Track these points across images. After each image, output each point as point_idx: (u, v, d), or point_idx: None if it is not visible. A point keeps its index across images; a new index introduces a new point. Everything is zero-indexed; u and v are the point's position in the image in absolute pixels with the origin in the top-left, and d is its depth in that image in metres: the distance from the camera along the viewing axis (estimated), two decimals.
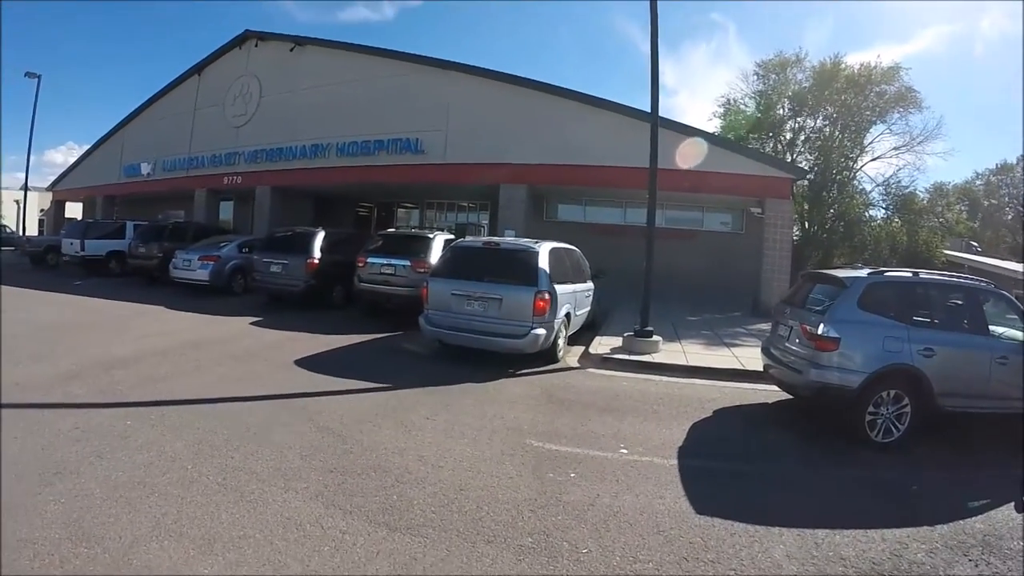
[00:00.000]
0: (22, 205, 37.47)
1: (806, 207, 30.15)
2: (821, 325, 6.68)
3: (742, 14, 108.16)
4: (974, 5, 73.48)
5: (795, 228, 26.59)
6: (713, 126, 32.81)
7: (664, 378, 9.38)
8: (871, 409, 6.47)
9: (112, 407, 6.42)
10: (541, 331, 9.26)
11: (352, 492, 4.59)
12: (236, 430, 5.85)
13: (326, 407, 6.83)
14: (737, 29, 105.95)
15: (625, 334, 11.16)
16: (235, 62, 27.40)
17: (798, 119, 31.77)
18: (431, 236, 13.62)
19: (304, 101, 24.28)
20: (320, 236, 15.00)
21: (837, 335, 6.56)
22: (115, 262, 21.48)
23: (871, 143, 30.98)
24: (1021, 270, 28.51)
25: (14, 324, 10.58)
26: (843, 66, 30.03)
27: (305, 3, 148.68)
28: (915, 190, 31.56)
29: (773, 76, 32.11)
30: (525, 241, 10.60)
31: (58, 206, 39.27)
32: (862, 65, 29.85)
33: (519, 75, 20.53)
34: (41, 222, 47.33)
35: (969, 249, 38.12)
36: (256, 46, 26.70)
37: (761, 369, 8.46)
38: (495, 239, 11.49)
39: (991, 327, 6.98)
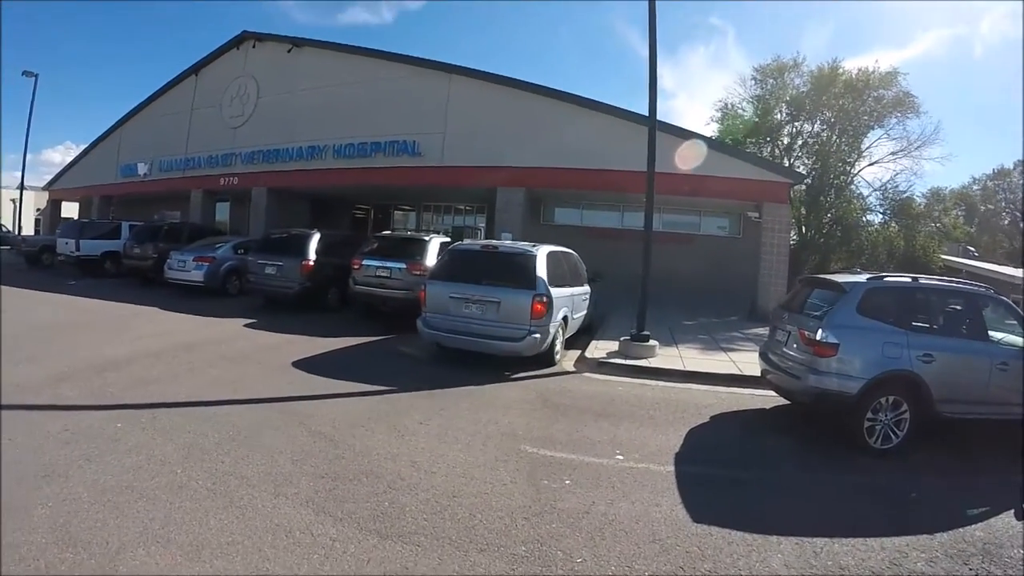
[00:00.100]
0: (18, 204, 37.31)
1: (803, 212, 30.14)
2: (820, 330, 6.62)
3: (741, 18, 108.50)
4: (973, 8, 73.76)
5: (792, 232, 26.49)
6: (711, 130, 32.79)
7: (660, 383, 9.32)
8: (870, 415, 6.42)
9: (103, 409, 6.35)
10: (539, 334, 9.27)
11: (343, 498, 4.52)
12: (227, 433, 5.78)
13: (319, 411, 6.76)
14: (736, 33, 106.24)
15: (621, 338, 11.12)
16: (232, 63, 27.34)
17: (796, 124, 31.76)
18: (427, 239, 13.59)
19: (301, 102, 24.22)
20: (316, 238, 14.93)
21: (836, 340, 6.51)
22: (110, 262, 21.36)
23: (869, 148, 31.01)
24: (1019, 275, 28.57)
25: (8, 324, 10.48)
26: (841, 71, 30.04)
27: (305, 4, 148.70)
28: (912, 195, 31.59)
29: (771, 80, 32.11)
30: (523, 244, 10.58)
31: (54, 206, 39.10)
32: (860, 70, 29.89)
33: (517, 78, 20.54)
34: (37, 222, 47.12)
35: (966, 254, 38.17)
36: (254, 47, 26.65)
37: (758, 374, 8.39)
38: (493, 242, 11.48)
39: (991, 333, 6.93)
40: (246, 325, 12.44)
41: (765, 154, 30.08)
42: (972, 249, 41.74)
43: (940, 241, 30.94)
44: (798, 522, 4.61)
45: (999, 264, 38.55)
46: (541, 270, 9.56)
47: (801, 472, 5.98)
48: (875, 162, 31.25)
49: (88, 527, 3.86)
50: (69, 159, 39.11)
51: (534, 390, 8.41)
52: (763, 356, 8.13)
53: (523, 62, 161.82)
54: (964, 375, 6.64)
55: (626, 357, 10.51)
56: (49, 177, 41.41)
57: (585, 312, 12.14)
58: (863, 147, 30.92)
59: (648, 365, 10.15)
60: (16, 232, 35.85)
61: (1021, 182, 52.39)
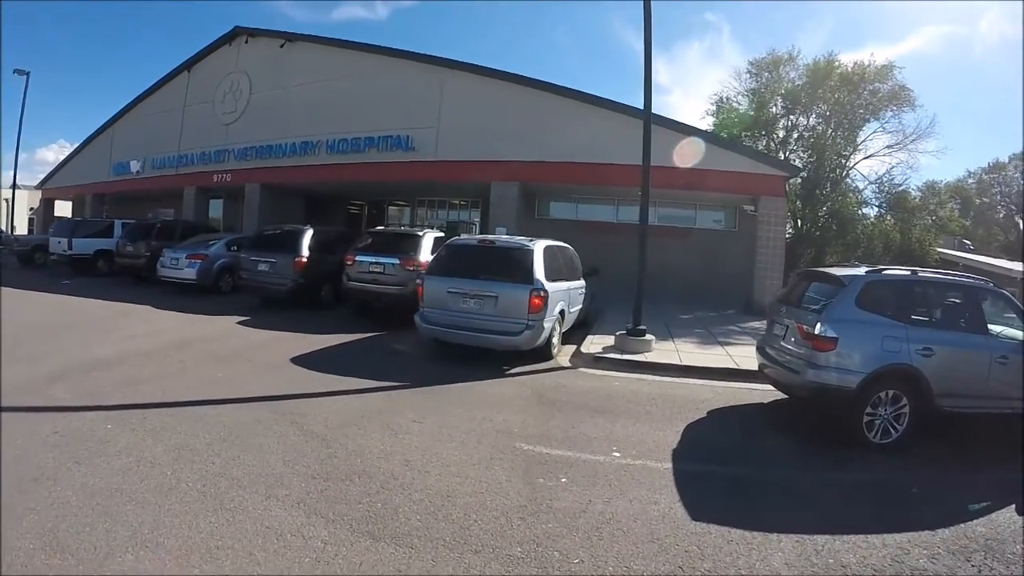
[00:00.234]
0: (10, 204, 37.05)
1: (799, 205, 30.09)
2: (818, 324, 6.55)
3: (735, 14, 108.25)
4: (970, 5, 73.68)
5: (788, 226, 26.48)
6: (706, 124, 32.67)
7: (657, 378, 9.28)
8: (869, 410, 6.36)
9: (93, 410, 6.25)
10: (536, 328, 9.32)
11: (335, 499, 4.44)
12: (218, 434, 5.70)
13: (311, 409, 6.67)
14: (731, 29, 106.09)
15: (617, 333, 11.06)
16: (225, 59, 27.21)
17: (791, 117, 31.65)
18: (420, 234, 13.50)
19: (294, 98, 24.13)
20: (308, 234, 14.80)
21: (835, 335, 6.44)
22: (103, 261, 21.30)
23: (864, 141, 30.98)
24: (1015, 268, 28.58)
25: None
26: (836, 64, 29.94)
27: (299, 3, 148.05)
28: (908, 188, 31.56)
29: (766, 74, 32.01)
30: (520, 239, 10.60)
31: (47, 204, 38.99)
32: (855, 63, 29.79)
33: (511, 72, 20.44)
34: (31, 221, 46.90)
35: (962, 247, 38.23)
36: (246, 42, 26.53)
37: (755, 368, 8.34)
38: (490, 237, 11.47)
39: (990, 326, 6.87)
40: (239, 323, 12.35)
41: (760, 147, 29.97)
42: (968, 242, 41.80)
43: (936, 234, 30.91)
44: (798, 519, 4.55)
45: (994, 257, 38.60)
46: (538, 264, 9.60)
47: (800, 468, 5.91)
48: (870, 155, 31.28)
49: (76, 532, 3.77)
50: (63, 158, 38.96)
51: (529, 386, 8.34)
52: (761, 350, 8.07)
53: (518, 60, 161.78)
54: (964, 369, 6.58)
55: (622, 352, 10.45)
56: (43, 176, 41.30)
57: (581, 306, 12.13)
58: (859, 140, 30.94)
59: (644, 360, 10.09)
60: (9, 231, 35.63)
61: (1017, 176, 52.43)
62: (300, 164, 23.58)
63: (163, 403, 6.64)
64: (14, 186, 36.26)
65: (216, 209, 29.60)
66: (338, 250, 14.25)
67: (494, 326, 9.36)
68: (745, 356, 10.10)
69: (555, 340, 10.23)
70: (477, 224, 25.40)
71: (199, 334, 10.90)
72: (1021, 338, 6.78)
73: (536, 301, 9.29)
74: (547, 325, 9.59)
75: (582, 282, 12.26)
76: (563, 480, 5.06)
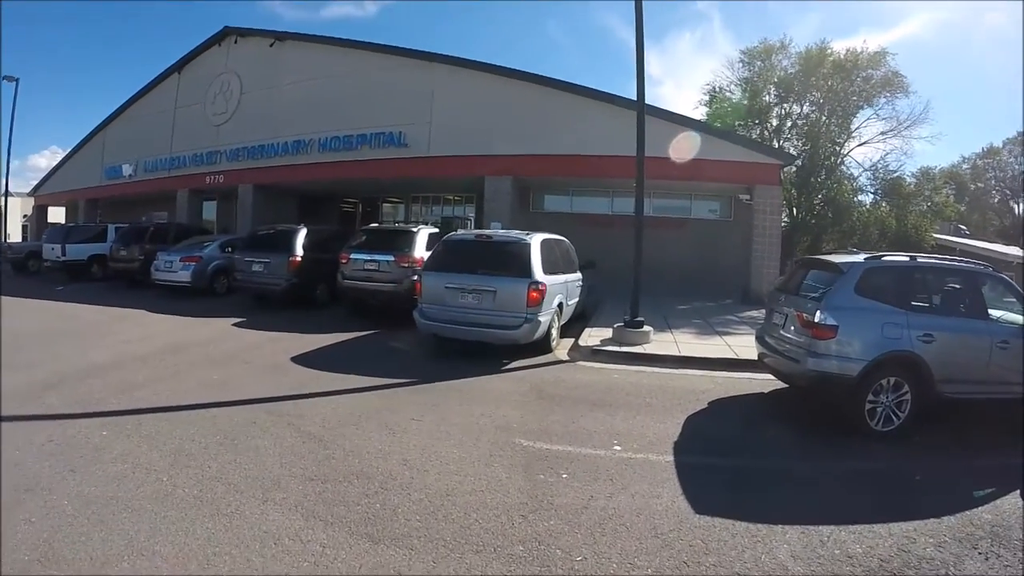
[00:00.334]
0: (3, 211, 36.86)
1: (794, 193, 30.02)
2: (818, 312, 6.49)
3: (726, 3, 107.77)
4: None
5: (783, 215, 26.43)
6: (699, 114, 32.57)
7: (656, 369, 9.25)
8: (871, 398, 6.31)
9: (88, 417, 6.17)
10: (535, 321, 9.35)
11: (333, 501, 4.37)
12: (214, 437, 5.63)
13: (308, 410, 6.61)
14: (722, 18, 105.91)
15: (615, 325, 11.01)
16: (215, 59, 27.09)
17: (784, 105, 31.57)
18: (415, 230, 13.45)
19: (286, 97, 24.03)
20: (302, 233, 14.74)
21: (835, 322, 6.38)
22: (97, 266, 21.21)
23: (858, 128, 30.90)
24: (1011, 252, 28.60)
25: None
26: (829, 51, 29.83)
27: (290, 2, 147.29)
28: (903, 175, 31.52)
29: (758, 63, 31.88)
30: (517, 233, 10.61)
31: (40, 211, 38.85)
32: (848, 50, 29.69)
33: (502, 65, 20.36)
34: (25, 228, 46.75)
35: (958, 232, 38.25)
36: (236, 43, 26.43)
37: (755, 358, 8.29)
38: (487, 231, 11.47)
39: (990, 311, 6.82)
40: (234, 324, 12.28)
41: (754, 136, 29.90)
42: (963, 227, 41.84)
43: (931, 220, 30.87)
44: (802, 510, 4.51)
45: (990, 242, 38.67)
46: (536, 258, 9.64)
47: (803, 458, 5.87)
48: (865, 142, 31.21)
49: (72, 542, 3.71)
50: (55, 164, 38.77)
51: (528, 381, 8.29)
52: (760, 339, 8.03)
53: (514, 59, 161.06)
54: (965, 354, 6.54)
55: (620, 344, 10.40)
56: (35, 183, 41.15)
57: (578, 299, 12.13)
58: (852, 127, 30.85)
59: (643, 351, 10.05)
60: (3, 239, 35.48)
61: (1011, 160, 52.51)
62: (293, 163, 23.48)
63: (158, 408, 6.57)
64: (7, 194, 36.06)
65: (210, 211, 29.48)
66: (332, 249, 14.16)
67: (493, 320, 9.38)
68: (744, 346, 10.07)
69: (554, 333, 10.26)
70: (472, 219, 25.32)
71: (194, 337, 10.83)
72: (1022, 322, 6.74)
73: (534, 295, 9.32)
74: (546, 318, 9.62)
75: (579, 275, 12.25)
76: (564, 476, 5.00)
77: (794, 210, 30.44)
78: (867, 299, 6.50)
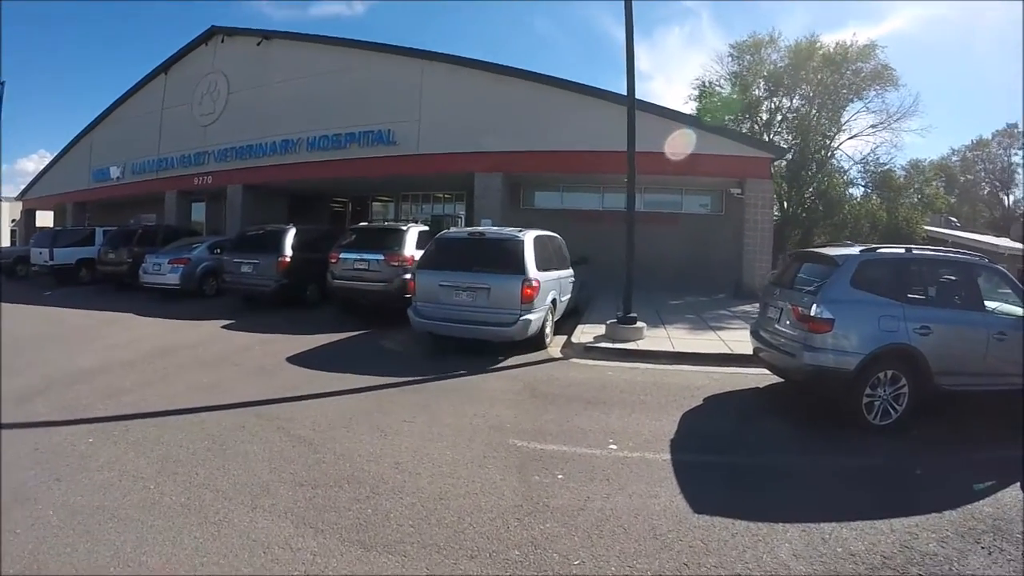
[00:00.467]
0: None
1: (785, 187, 29.99)
2: (814, 306, 6.42)
3: (715, 1, 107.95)
4: None
5: (775, 208, 26.42)
6: (689, 109, 32.47)
7: (650, 366, 9.18)
8: (868, 391, 6.25)
9: (74, 424, 6.07)
10: (530, 318, 9.38)
11: (324, 507, 4.27)
12: (202, 443, 5.53)
13: (298, 413, 6.50)
14: (710, 13, 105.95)
15: (608, 321, 10.93)
16: (202, 59, 26.86)
17: (774, 99, 31.54)
18: (404, 228, 13.32)
19: (273, 96, 23.84)
20: (291, 233, 14.61)
21: (831, 316, 6.31)
22: (85, 270, 20.99)
23: (848, 121, 30.89)
24: (1002, 244, 28.70)
25: None
26: (819, 45, 29.81)
27: (277, 1, 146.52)
28: (893, 167, 31.56)
29: (748, 57, 31.82)
30: (510, 230, 10.57)
31: (28, 215, 38.49)
32: (838, 44, 29.63)
33: (491, 61, 20.29)
34: (13, 232, 46.36)
35: (949, 224, 38.38)
36: (222, 42, 26.21)
37: (750, 353, 8.22)
38: (480, 229, 11.45)
39: (986, 302, 6.77)
40: (223, 327, 12.15)
41: (745, 130, 29.89)
42: (954, 219, 41.98)
43: (922, 212, 30.92)
44: (802, 507, 4.44)
45: (981, 234, 38.81)
46: (529, 255, 9.66)
47: (801, 454, 5.80)
48: (855, 135, 31.18)
49: (57, 553, 3.63)
50: (43, 167, 38.41)
51: (521, 379, 8.20)
52: (755, 334, 7.95)
53: (500, 54, 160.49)
54: (962, 346, 6.48)
55: (614, 340, 10.33)
56: (23, 187, 40.77)
57: (571, 295, 12.10)
58: (843, 121, 30.83)
59: (637, 348, 9.98)
60: None
61: (1000, 152, 52.80)
62: (281, 163, 23.30)
63: (146, 413, 6.45)
64: None
65: (198, 212, 29.30)
66: (322, 248, 14.01)
67: (487, 318, 9.40)
68: (738, 340, 10.02)
69: (548, 330, 10.28)
70: (462, 217, 25.18)
71: (183, 340, 10.70)
72: (1020, 314, 6.69)
73: (528, 291, 9.34)
74: (539, 315, 9.64)
75: (571, 271, 12.24)
76: (559, 476, 4.92)
77: (785, 204, 30.43)
78: (863, 292, 6.44)
